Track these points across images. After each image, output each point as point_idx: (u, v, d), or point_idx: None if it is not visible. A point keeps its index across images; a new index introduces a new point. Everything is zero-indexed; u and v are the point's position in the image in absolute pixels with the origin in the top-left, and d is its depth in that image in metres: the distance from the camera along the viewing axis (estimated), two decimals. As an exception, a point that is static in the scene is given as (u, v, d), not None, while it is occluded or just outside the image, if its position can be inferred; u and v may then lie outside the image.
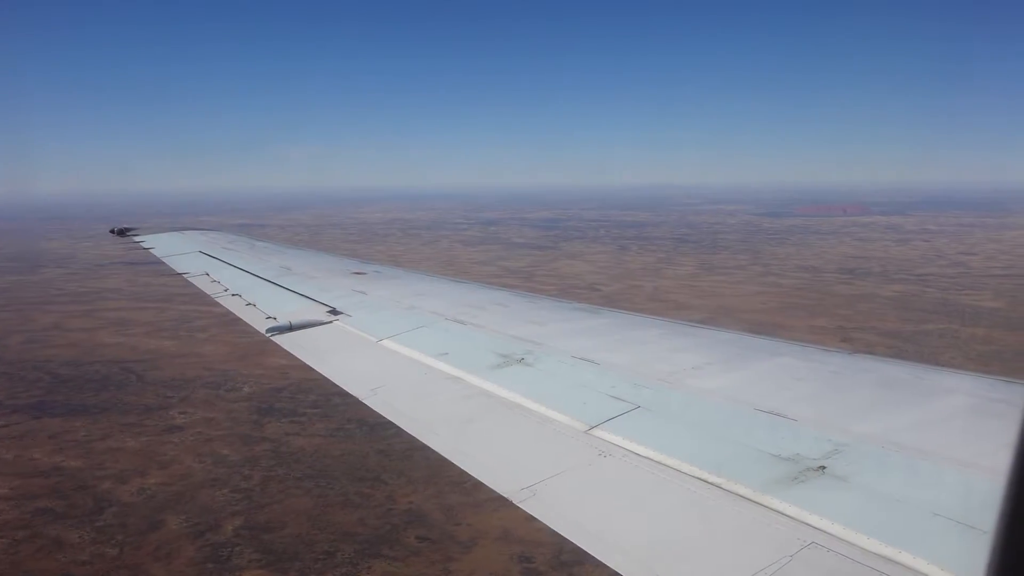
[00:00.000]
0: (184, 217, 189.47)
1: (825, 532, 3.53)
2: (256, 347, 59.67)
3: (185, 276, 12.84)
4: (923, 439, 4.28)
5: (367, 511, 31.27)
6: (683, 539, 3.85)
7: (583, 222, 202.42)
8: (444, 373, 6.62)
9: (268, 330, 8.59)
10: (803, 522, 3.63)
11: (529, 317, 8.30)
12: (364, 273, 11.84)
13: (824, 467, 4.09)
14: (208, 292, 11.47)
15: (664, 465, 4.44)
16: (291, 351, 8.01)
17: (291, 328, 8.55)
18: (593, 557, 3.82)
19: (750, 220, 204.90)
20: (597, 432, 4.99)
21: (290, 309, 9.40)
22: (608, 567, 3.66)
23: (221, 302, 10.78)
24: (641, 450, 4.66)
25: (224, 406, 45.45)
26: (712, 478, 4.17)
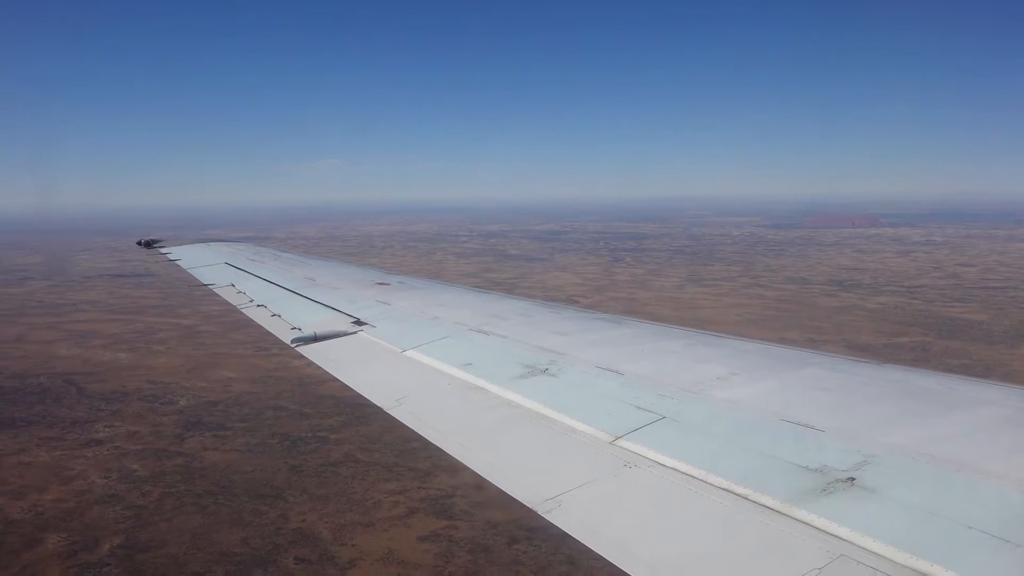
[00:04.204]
0: (189, 230, 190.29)
1: (855, 545, 3.43)
2: (208, 360, 59.15)
3: (211, 287, 12.91)
4: (955, 451, 4.17)
5: (255, 530, 30.12)
6: (710, 551, 3.75)
7: (585, 234, 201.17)
8: (468, 383, 6.56)
9: (293, 340, 8.55)
10: (832, 534, 3.53)
11: (553, 327, 8.21)
12: (388, 284, 11.84)
13: (853, 478, 3.99)
14: (234, 303, 11.50)
15: (690, 476, 4.35)
16: (316, 361, 7.98)
17: (316, 339, 8.53)
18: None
19: (755, 232, 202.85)
20: (622, 443, 4.92)
21: (315, 320, 9.42)
22: None
23: (247, 313, 10.75)
24: (666, 461, 4.57)
25: (153, 419, 44.55)
26: (738, 489, 4.08)
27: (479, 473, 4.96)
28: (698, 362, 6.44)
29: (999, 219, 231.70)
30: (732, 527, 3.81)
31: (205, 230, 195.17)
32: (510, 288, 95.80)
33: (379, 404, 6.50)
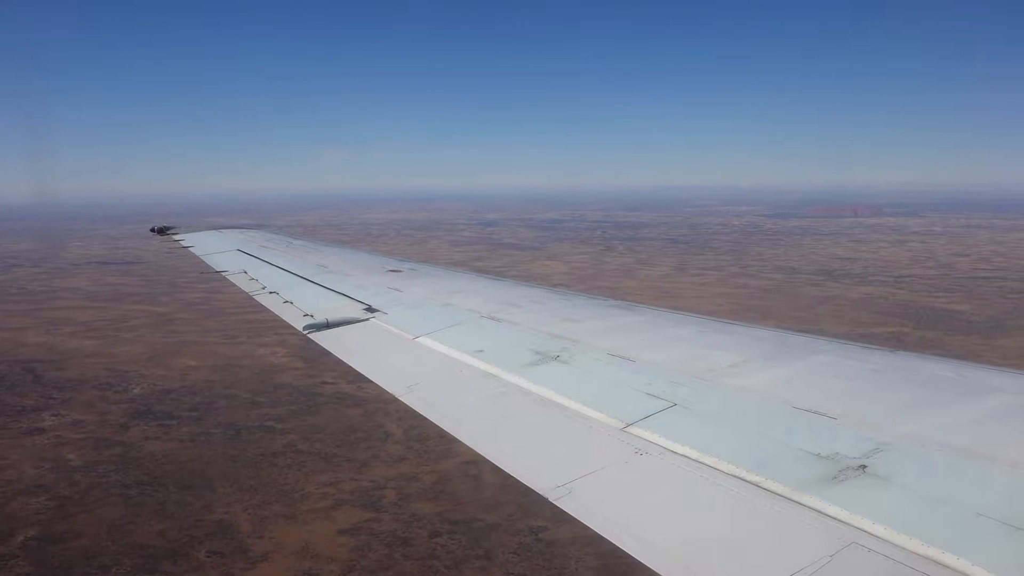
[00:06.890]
0: (192, 217, 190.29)
1: (866, 532, 3.44)
2: (173, 348, 58.63)
3: (224, 274, 12.94)
4: (968, 438, 4.16)
5: (175, 522, 29.59)
6: (721, 538, 3.74)
7: (584, 223, 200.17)
8: (480, 370, 6.58)
9: (305, 327, 8.58)
10: (843, 522, 3.55)
11: (565, 314, 8.24)
12: (400, 271, 11.93)
13: (865, 466, 4.00)
14: (246, 290, 11.53)
15: (701, 463, 4.36)
16: (328, 348, 8.00)
17: (328, 325, 8.58)
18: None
19: (755, 221, 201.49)
20: (633, 430, 4.91)
21: (327, 307, 9.52)
22: (645, 566, 3.53)
23: (259, 300, 10.79)
24: (678, 448, 4.57)
25: (102, 408, 44.06)
26: (750, 477, 4.09)
27: (489, 459, 4.91)
28: (710, 349, 6.43)
29: (1004, 208, 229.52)
30: (743, 514, 3.82)
31: (208, 217, 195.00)
32: (495, 278, 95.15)
33: (390, 391, 6.51)
